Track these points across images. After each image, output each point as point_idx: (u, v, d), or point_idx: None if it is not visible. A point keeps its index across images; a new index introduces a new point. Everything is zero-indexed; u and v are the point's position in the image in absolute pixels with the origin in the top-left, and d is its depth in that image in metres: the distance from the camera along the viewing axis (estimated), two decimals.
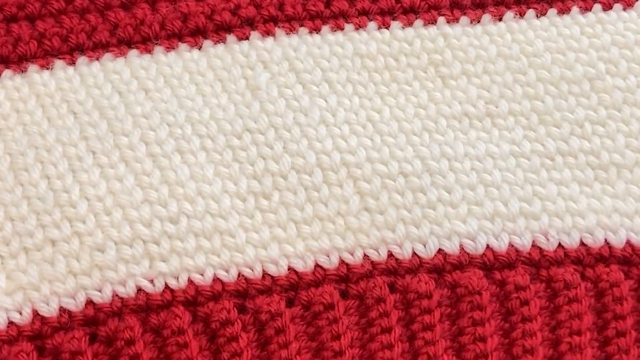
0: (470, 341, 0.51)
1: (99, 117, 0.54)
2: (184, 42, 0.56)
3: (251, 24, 0.57)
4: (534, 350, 0.52)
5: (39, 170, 0.52)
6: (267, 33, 0.57)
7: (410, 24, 0.59)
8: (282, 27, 0.58)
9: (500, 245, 0.54)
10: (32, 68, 0.55)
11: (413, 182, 0.54)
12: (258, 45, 0.57)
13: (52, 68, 0.55)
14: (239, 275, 0.51)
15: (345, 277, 0.52)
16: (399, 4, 0.59)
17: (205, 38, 0.57)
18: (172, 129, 0.54)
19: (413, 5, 0.59)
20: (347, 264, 0.52)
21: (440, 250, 0.53)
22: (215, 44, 0.57)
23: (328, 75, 0.57)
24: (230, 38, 0.57)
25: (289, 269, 0.52)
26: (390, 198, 0.54)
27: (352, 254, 0.52)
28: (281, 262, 0.52)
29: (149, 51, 0.56)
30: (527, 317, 0.52)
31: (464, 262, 0.53)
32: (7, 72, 0.55)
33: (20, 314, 0.50)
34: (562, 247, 0.54)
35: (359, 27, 0.58)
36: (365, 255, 0.52)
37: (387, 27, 0.59)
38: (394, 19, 0.59)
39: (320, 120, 0.55)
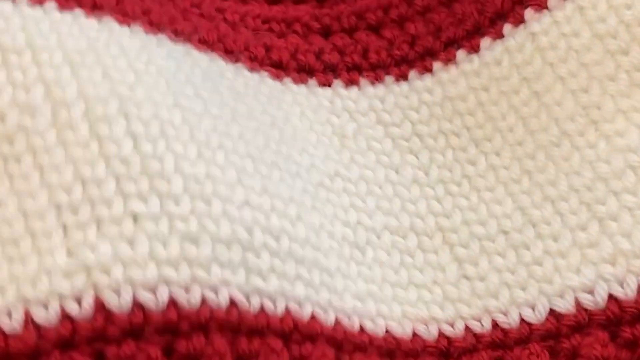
0: None
1: None
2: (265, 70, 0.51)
3: (334, 70, 0.52)
4: None
5: (123, 126, 0.42)
6: (351, 82, 0.52)
7: (499, 36, 0.50)
8: (367, 76, 0.52)
9: (627, 292, 0.44)
10: None
11: (514, 239, 0.46)
12: (342, 94, 0.51)
13: None
14: (336, 320, 0.43)
15: (446, 351, 0.44)
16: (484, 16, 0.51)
17: (287, 75, 0.51)
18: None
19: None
20: (447, 337, 0.45)
21: (552, 312, 0.44)
22: (296, 83, 0.51)
23: (418, 129, 0.50)
24: (312, 82, 0.52)
25: (386, 330, 0.44)
26: (491, 262, 0.46)
27: (452, 326, 0.45)
28: (378, 321, 0.44)
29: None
30: None
31: (582, 321, 0.44)
32: None
33: (80, 305, 0.38)
34: None
35: (447, 61, 0.51)
36: (466, 326, 0.45)
37: (477, 52, 0.50)
38: (482, 35, 0.51)
39: (413, 179, 0.49)
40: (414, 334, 0.44)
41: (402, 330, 0.44)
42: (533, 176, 0.47)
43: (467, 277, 0.46)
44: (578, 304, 0.44)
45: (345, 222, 0.46)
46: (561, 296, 0.44)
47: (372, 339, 0.43)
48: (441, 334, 0.44)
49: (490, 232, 0.47)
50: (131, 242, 0.39)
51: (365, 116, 0.51)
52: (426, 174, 0.49)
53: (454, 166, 0.49)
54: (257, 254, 0.42)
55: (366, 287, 0.45)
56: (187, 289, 0.39)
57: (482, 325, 0.45)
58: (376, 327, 0.44)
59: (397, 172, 0.49)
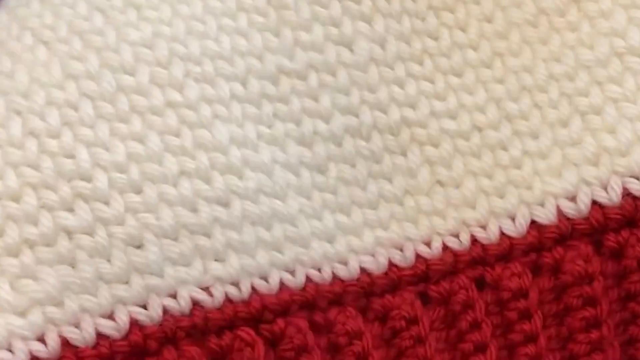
0: (584, 353, 0.40)
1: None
2: None
3: None
4: None
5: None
6: None
7: None
8: None
9: (612, 197, 0.40)
10: None
11: (490, 137, 0.42)
12: None
13: None
14: (306, 279, 0.40)
15: (424, 275, 0.41)
16: None
17: None
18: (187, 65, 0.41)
19: None
20: (425, 259, 0.41)
21: (533, 223, 0.41)
22: None
23: None
24: None
25: (360, 269, 0.41)
26: (466, 164, 0.42)
27: (428, 245, 0.41)
28: (351, 261, 0.41)
29: None
30: None
31: (565, 232, 0.41)
32: None
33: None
34: None
35: None
36: (444, 245, 0.41)
37: None
38: None
39: (369, 56, 0.42)
40: (390, 264, 0.41)
41: (377, 264, 0.41)
42: (506, 60, 0.43)
43: (440, 183, 0.42)
44: (560, 212, 0.41)
45: (299, 139, 0.41)
46: (542, 204, 0.41)
47: (346, 287, 0.40)
48: (418, 257, 0.41)
49: (462, 129, 0.42)
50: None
51: None
52: (382, 47, 0.42)
53: (412, 38, 0.43)
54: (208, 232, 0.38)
55: (333, 220, 0.41)
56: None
57: (460, 241, 0.41)
58: (350, 270, 0.40)
59: (350, 49, 0.42)
